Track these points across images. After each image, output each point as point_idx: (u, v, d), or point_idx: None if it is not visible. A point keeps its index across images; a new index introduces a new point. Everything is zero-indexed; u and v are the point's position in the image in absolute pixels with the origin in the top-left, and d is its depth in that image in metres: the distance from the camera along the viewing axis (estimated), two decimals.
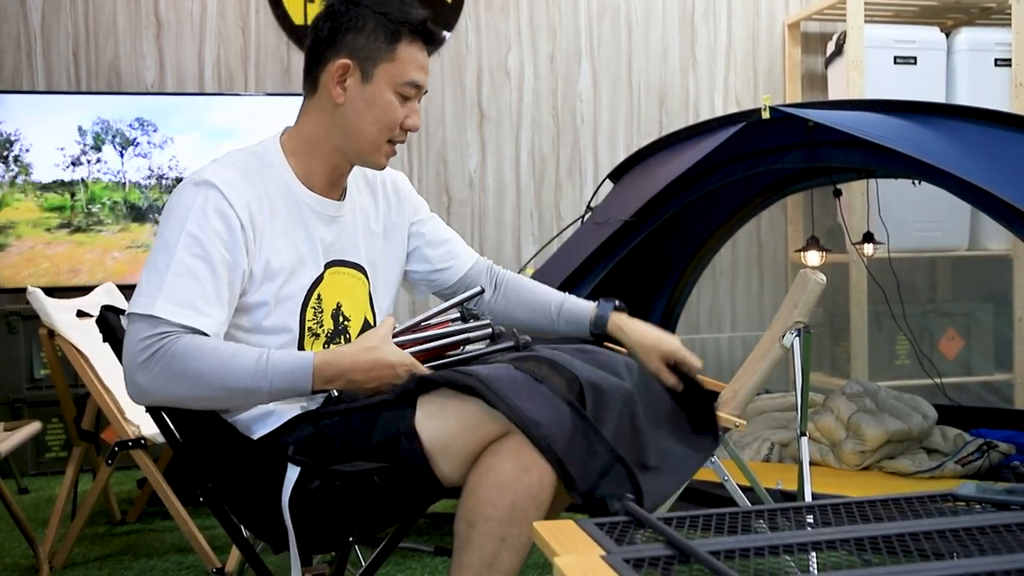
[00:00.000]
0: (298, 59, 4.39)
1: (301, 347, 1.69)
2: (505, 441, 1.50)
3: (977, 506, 1.35)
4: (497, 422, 1.50)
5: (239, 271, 1.61)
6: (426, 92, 1.77)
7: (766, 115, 3.00)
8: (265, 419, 1.66)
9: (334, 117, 1.71)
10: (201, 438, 1.69)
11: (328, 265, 1.74)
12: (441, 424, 1.55)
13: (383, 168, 1.82)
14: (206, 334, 1.55)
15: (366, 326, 1.80)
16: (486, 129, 4.72)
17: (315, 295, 1.71)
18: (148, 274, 1.58)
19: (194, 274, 1.56)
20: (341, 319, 1.76)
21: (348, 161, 1.76)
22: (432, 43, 1.74)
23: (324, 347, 1.72)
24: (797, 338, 2.34)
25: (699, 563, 1.07)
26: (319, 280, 1.72)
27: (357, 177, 1.85)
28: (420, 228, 1.95)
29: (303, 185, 1.73)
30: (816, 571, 1.31)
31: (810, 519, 1.28)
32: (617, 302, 1.90)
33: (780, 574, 1.11)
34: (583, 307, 1.93)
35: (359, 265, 1.81)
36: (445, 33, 4.60)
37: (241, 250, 1.61)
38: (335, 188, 1.78)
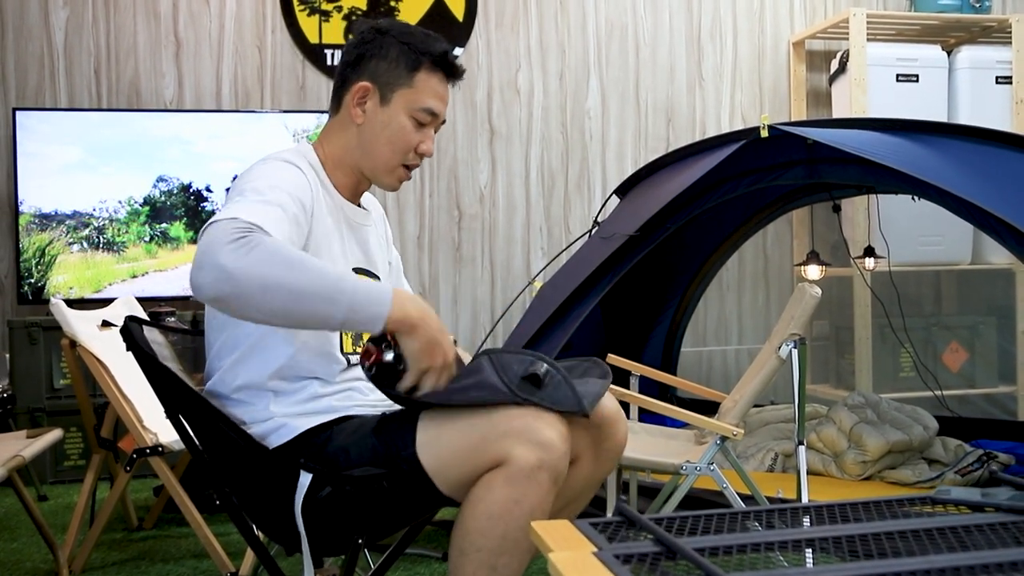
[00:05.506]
0: (313, 77, 4.49)
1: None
2: (497, 472, 1.57)
3: (954, 508, 1.42)
4: (489, 453, 1.57)
5: (301, 237, 1.69)
6: (444, 122, 1.87)
7: (764, 133, 3.07)
8: (280, 431, 1.74)
9: (354, 136, 1.83)
10: (220, 445, 1.77)
11: (352, 271, 1.84)
12: (437, 451, 1.62)
13: (395, 190, 1.92)
14: None
15: None
16: (496, 145, 4.81)
17: None
18: (233, 200, 1.61)
19: (280, 207, 1.62)
20: None
21: (366, 179, 1.88)
22: (453, 76, 1.84)
23: (352, 344, 1.82)
24: (794, 349, 2.40)
25: (684, 559, 1.15)
26: None
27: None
28: (392, 251, 2.08)
29: (337, 192, 1.84)
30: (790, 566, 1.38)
31: (797, 519, 1.36)
32: None
33: (760, 568, 1.18)
34: None
35: (376, 275, 1.91)
36: (457, 50, 4.70)
37: (305, 222, 1.70)
38: (356, 199, 1.90)
